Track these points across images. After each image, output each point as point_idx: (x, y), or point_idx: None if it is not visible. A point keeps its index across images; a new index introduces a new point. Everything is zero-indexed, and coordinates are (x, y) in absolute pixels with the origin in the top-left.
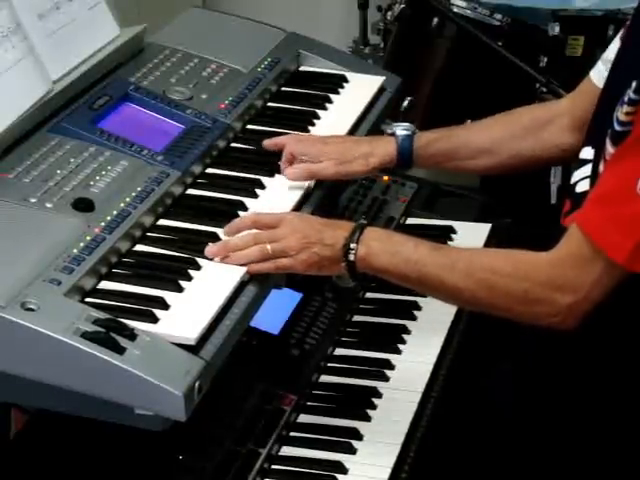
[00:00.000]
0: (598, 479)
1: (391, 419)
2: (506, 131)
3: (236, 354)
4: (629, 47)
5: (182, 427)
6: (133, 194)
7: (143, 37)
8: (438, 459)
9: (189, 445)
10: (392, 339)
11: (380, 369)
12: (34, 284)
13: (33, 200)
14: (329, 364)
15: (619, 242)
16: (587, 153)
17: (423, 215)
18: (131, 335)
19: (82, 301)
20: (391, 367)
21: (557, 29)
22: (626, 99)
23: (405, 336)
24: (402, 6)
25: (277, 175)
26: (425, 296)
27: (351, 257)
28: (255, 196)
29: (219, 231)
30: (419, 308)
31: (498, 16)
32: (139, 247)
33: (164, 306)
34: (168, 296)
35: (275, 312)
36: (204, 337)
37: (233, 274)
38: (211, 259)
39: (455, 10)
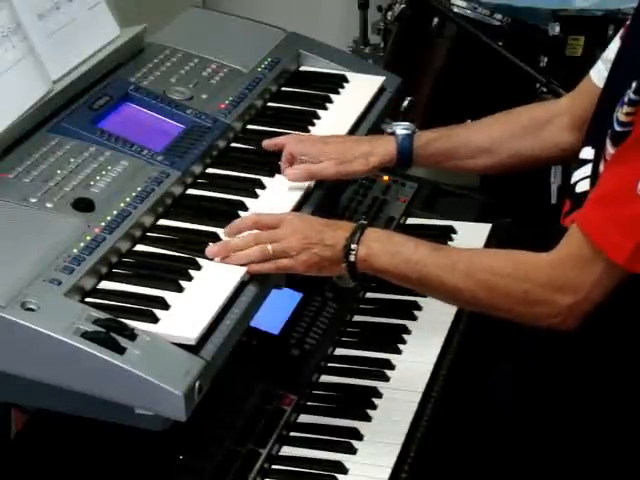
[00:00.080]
0: (598, 479)
1: (391, 419)
2: (506, 130)
3: (236, 354)
4: (629, 47)
5: (182, 427)
6: (133, 194)
7: (143, 37)
8: (438, 459)
9: (189, 445)
10: (392, 339)
11: (380, 369)
12: (34, 284)
13: (33, 200)
14: (329, 364)
15: (619, 243)
16: (587, 153)
17: (423, 215)
18: (131, 335)
19: (82, 301)
20: (391, 367)
21: (557, 29)
22: (626, 99)
23: (405, 336)
24: (402, 6)
25: (277, 175)
26: (425, 296)
27: (352, 258)
28: (255, 196)
29: (219, 231)
30: (419, 308)
31: (498, 16)
32: (139, 247)
33: (164, 306)
34: (168, 296)
35: (275, 312)
36: (204, 337)
37: (233, 274)
38: (211, 259)
39: (455, 10)
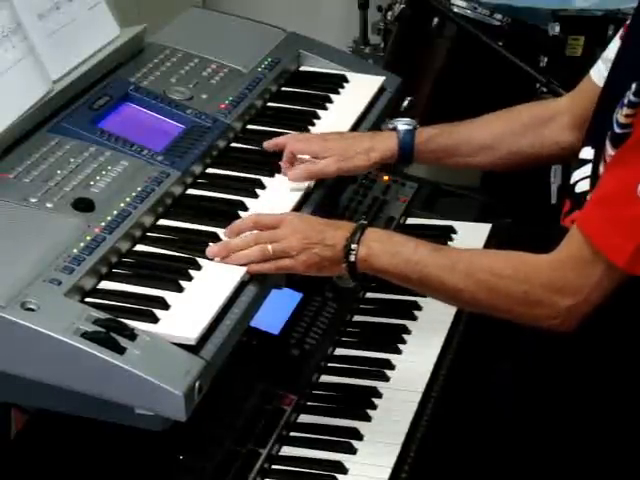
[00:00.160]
0: (598, 479)
1: (391, 419)
2: (506, 127)
3: (236, 354)
4: (629, 47)
5: (182, 427)
6: (133, 194)
7: (143, 37)
8: (438, 459)
9: (189, 445)
10: (392, 339)
11: (380, 369)
12: (34, 284)
13: (33, 200)
14: (329, 364)
15: (619, 245)
16: (587, 153)
17: (423, 215)
18: (131, 335)
19: (82, 301)
20: (391, 367)
21: (557, 29)
22: (626, 101)
23: (405, 336)
24: (402, 6)
25: (277, 175)
26: (425, 296)
27: (352, 258)
28: (255, 196)
29: (219, 231)
30: (419, 308)
31: (498, 16)
32: (139, 247)
33: (164, 306)
34: (168, 296)
35: (275, 312)
36: (204, 337)
37: (233, 274)
38: (211, 259)
39: (455, 10)
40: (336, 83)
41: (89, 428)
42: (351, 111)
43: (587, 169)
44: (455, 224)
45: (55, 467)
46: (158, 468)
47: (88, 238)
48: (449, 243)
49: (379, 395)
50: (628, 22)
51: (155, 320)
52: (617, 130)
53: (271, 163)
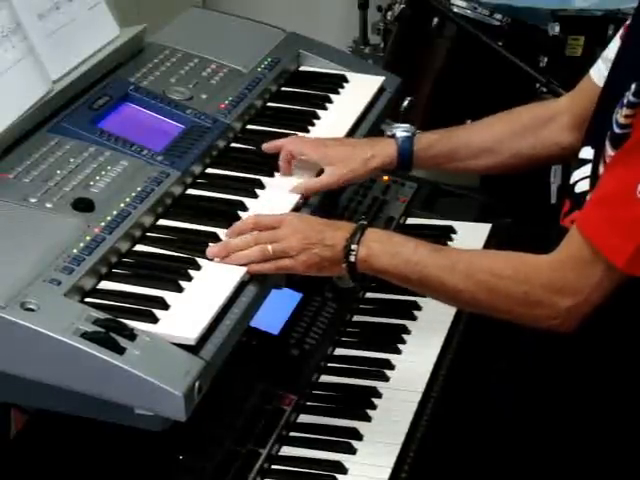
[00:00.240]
0: (598, 479)
1: (391, 419)
2: (507, 130)
3: (236, 354)
4: (629, 47)
5: (182, 427)
6: (133, 194)
7: (143, 37)
8: (438, 459)
9: (189, 445)
10: (392, 339)
11: (380, 369)
12: (34, 284)
13: (33, 200)
14: (329, 364)
15: (619, 245)
16: (587, 153)
17: (423, 215)
18: (131, 335)
19: (82, 301)
20: (391, 367)
21: (557, 29)
22: (625, 102)
23: (405, 336)
24: (402, 6)
25: (277, 175)
26: (425, 296)
27: (352, 258)
28: (255, 196)
29: (219, 231)
30: (419, 308)
31: (498, 16)
32: (139, 247)
33: (164, 306)
34: (168, 296)
35: (275, 312)
36: (204, 337)
37: (233, 274)
38: (211, 259)
39: (455, 10)
40: (336, 83)
41: (89, 428)
42: (351, 111)
43: (587, 169)
44: (455, 224)
45: (55, 467)
46: (158, 468)
47: (88, 238)
48: (449, 243)
49: (379, 395)
50: (628, 22)
51: (155, 320)
52: (617, 130)
53: (271, 163)
